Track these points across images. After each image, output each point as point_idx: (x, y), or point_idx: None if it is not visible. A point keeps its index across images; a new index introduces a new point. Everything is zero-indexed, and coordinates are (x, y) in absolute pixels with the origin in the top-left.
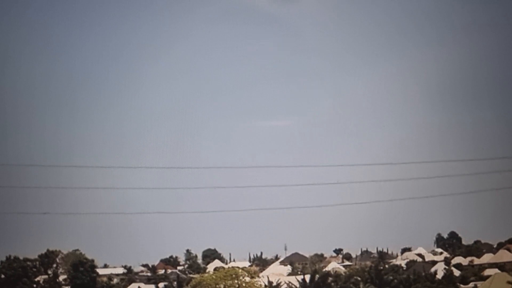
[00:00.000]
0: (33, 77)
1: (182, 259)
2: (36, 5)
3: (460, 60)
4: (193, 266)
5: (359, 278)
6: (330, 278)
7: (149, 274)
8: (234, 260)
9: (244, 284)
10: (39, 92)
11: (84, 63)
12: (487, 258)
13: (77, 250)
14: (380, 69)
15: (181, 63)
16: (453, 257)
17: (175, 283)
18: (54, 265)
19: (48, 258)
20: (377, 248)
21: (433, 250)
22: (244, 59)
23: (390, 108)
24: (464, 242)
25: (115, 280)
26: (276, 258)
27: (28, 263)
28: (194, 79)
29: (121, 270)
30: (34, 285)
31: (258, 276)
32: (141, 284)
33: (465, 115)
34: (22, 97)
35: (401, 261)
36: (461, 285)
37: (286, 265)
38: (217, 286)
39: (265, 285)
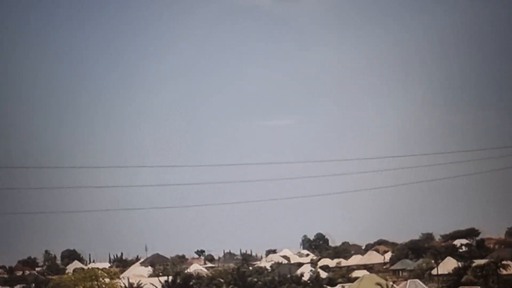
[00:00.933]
0: (35, 78)
1: (40, 260)
2: (38, 6)
3: (459, 57)
4: (52, 267)
5: (222, 280)
6: (193, 280)
7: (6, 275)
8: (94, 261)
9: (104, 286)
10: (41, 93)
11: (86, 64)
12: (355, 259)
13: None
14: (381, 68)
15: (182, 62)
16: (319, 259)
17: (33, 284)
18: None
19: None
20: (240, 250)
21: (299, 252)
22: (244, 59)
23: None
24: (331, 243)
25: None
26: (137, 259)
27: None
28: (195, 78)
29: None
30: None
31: (119, 278)
32: None
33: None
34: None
35: (265, 263)
36: (328, 287)
37: (147, 266)
38: (76, 287)
39: (126, 287)
